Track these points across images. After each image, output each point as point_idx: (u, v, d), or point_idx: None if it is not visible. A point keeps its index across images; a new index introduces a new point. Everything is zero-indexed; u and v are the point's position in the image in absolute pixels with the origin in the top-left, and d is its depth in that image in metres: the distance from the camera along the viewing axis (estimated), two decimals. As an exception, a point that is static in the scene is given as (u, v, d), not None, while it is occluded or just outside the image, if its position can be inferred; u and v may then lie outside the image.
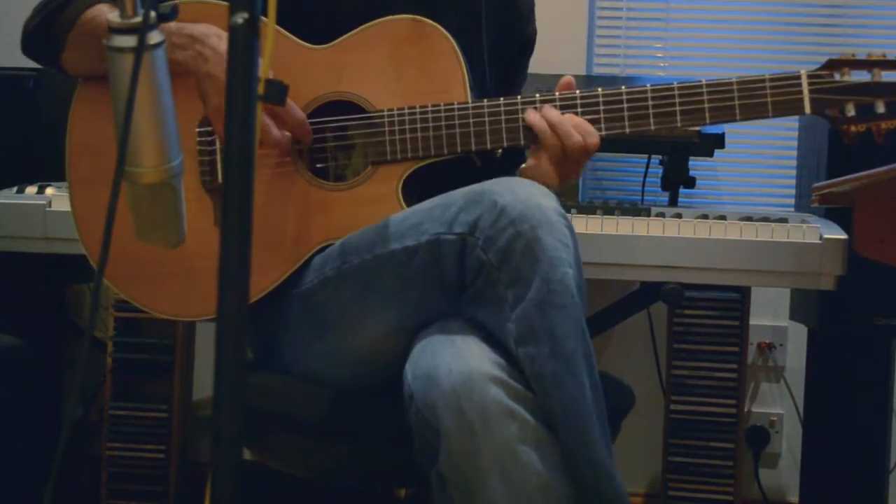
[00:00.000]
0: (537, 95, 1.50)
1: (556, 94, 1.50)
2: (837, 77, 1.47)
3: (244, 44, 0.87)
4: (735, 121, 1.49)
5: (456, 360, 1.28)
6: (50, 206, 1.97)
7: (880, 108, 1.46)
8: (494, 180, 1.36)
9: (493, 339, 1.32)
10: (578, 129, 1.46)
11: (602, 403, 1.30)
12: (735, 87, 1.48)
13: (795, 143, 2.51)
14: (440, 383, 1.27)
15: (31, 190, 2.03)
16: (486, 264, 1.30)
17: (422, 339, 1.35)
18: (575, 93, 1.49)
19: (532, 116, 1.48)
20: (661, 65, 2.80)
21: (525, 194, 1.31)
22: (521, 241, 1.28)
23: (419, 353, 1.34)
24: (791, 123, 2.57)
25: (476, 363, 1.27)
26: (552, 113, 1.47)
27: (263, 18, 0.89)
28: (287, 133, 1.49)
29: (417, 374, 1.31)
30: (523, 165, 1.54)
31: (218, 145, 1.54)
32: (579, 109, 1.49)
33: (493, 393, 1.25)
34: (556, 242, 1.29)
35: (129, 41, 1.05)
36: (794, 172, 2.53)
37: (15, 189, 2.04)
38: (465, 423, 1.24)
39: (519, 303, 1.29)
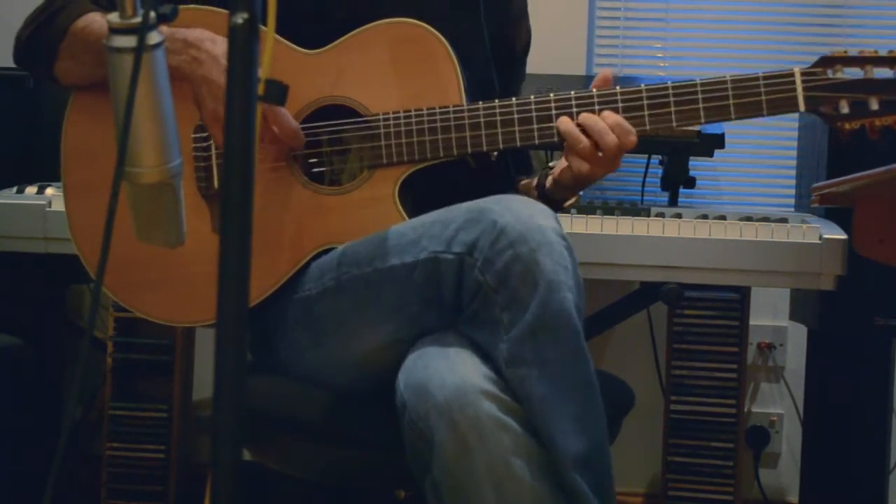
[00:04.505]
0: (552, 96, 1.48)
1: (576, 90, 1.49)
2: (830, 74, 1.45)
3: (244, 44, 0.87)
4: (730, 119, 1.47)
5: (449, 372, 1.27)
6: (50, 206, 1.97)
7: (874, 104, 1.43)
8: (494, 197, 1.34)
9: (487, 354, 1.31)
10: (615, 128, 1.44)
11: (601, 428, 1.28)
12: (729, 85, 1.45)
13: (795, 143, 2.51)
14: (433, 395, 1.26)
15: (31, 190, 2.03)
16: (484, 286, 1.29)
17: (416, 350, 1.35)
18: (570, 94, 1.48)
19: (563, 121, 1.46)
20: (661, 65, 2.80)
21: (526, 215, 1.29)
22: (519, 263, 1.27)
23: (412, 363, 1.33)
24: (791, 123, 2.57)
25: (469, 376, 1.26)
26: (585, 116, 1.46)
27: (262, 27, 0.89)
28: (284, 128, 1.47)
29: (410, 384, 1.31)
30: (552, 164, 1.53)
31: (213, 151, 1.54)
32: (574, 109, 1.47)
33: (485, 406, 1.24)
34: (554, 265, 1.27)
35: (129, 41, 1.05)
36: (794, 172, 2.54)
37: (15, 189, 2.04)
38: (459, 437, 1.24)
39: (513, 326, 1.27)
